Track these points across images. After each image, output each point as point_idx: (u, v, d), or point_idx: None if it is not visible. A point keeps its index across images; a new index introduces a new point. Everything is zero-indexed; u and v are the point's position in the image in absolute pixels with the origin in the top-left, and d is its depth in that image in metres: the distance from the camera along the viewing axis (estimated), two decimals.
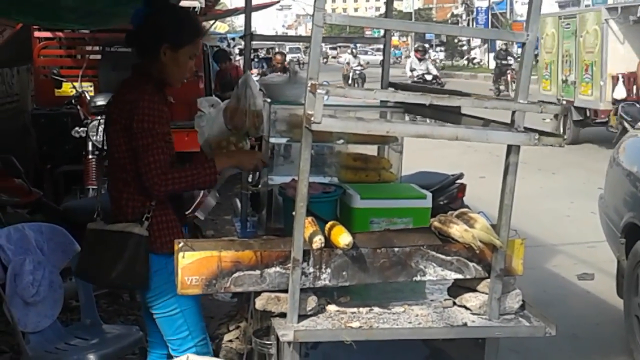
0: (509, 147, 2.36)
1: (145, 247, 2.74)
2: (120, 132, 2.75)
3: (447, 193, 5.07)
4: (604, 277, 5.56)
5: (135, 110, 2.68)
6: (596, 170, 7.97)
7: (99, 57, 6.82)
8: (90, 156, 5.73)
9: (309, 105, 2.12)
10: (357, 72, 25.55)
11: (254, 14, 3.86)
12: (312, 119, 2.10)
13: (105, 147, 2.88)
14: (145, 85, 2.75)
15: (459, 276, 2.50)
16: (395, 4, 4.29)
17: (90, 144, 5.73)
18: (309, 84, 2.12)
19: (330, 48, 54.78)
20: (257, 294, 2.38)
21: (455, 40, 43.22)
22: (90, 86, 6.61)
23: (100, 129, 5.67)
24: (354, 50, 27.67)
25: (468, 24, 44.66)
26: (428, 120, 2.96)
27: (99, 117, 5.75)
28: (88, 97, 6.09)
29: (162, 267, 2.77)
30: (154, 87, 2.78)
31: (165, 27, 2.79)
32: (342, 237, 2.35)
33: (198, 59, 3.60)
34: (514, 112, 2.34)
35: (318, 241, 2.30)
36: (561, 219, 7.75)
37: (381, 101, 3.53)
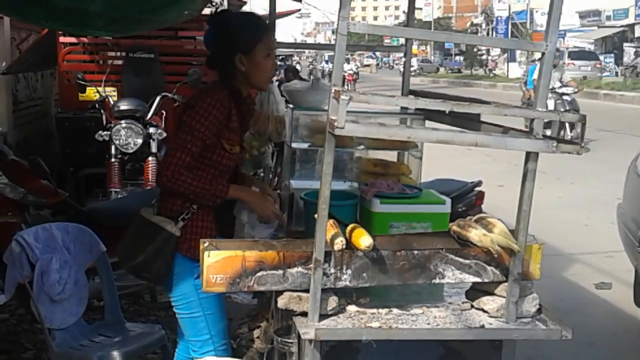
0: (528, 154, 2.40)
1: (173, 247, 2.80)
2: None
3: (466, 200, 5.08)
4: (622, 286, 5.56)
5: (193, 107, 2.75)
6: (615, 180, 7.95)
7: (121, 62, 6.92)
8: (113, 159, 5.81)
9: (332, 110, 2.18)
10: (568, 99, 13.04)
11: None
12: (336, 124, 2.15)
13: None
14: (218, 91, 2.80)
15: (477, 279, 2.54)
16: (415, 13, 4.38)
17: (113, 147, 5.80)
18: (333, 90, 2.18)
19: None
20: (279, 293, 2.44)
21: (475, 50, 43.17)
22: (114, 91, 6.68)
23: (123, 132, 5.78)
24: (558, 60, 14.96)
25: (488, 34, 44.68)
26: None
27: (122, 122, 5.84)
28: (111, 102, 6.16)
29: (187, 269, 2.82)
30: (228, 94, 2.81)
31: (230, 37, 2.83)
32: (363, 239, 2.40)
33: None
34: (532, 120, 2.39)
35: (339, 243, 2.36)
36: (579, 228, 7.75)
37: (401, 108, 3.58)
